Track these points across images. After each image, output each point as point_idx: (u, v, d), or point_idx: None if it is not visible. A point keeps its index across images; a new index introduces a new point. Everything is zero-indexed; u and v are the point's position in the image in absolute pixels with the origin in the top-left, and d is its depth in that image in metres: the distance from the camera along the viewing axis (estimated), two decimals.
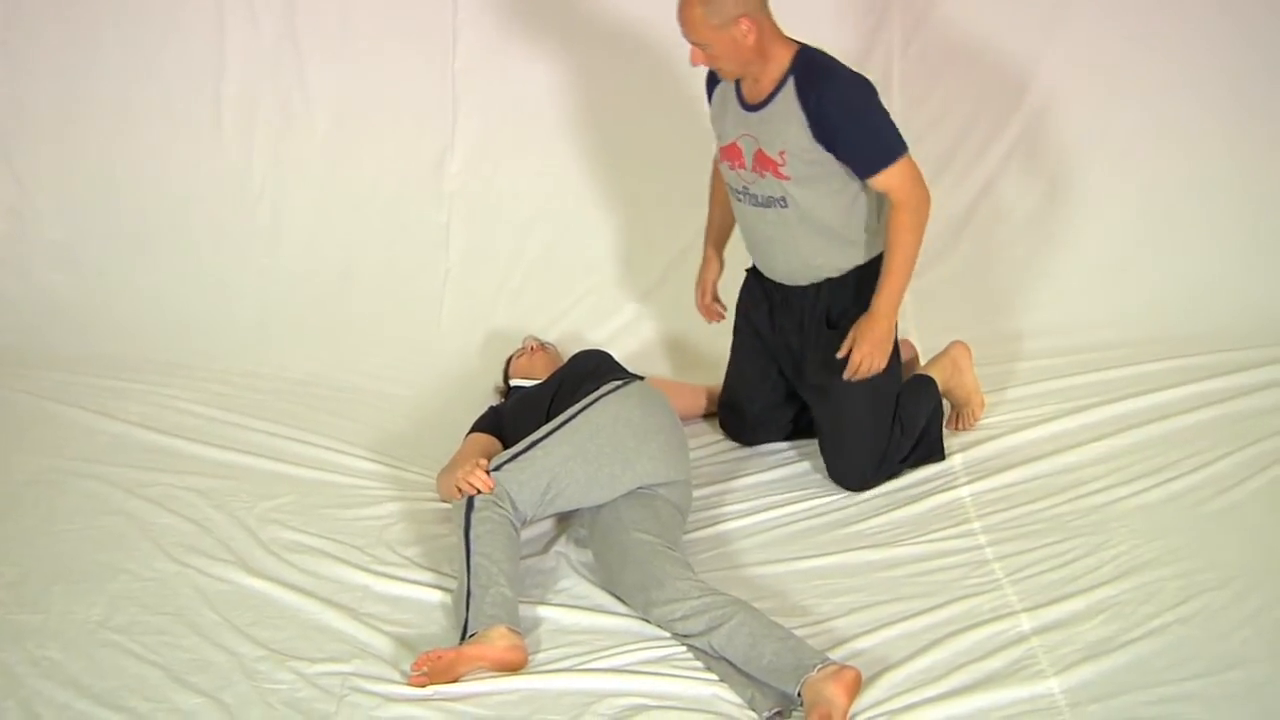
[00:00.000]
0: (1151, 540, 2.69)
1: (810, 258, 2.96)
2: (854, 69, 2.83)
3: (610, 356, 3.15)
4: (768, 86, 2.81)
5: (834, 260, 2.96)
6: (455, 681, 2.33)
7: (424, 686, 2.31)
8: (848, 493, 2.99)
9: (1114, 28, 3.86)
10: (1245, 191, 3.89)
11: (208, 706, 2.27)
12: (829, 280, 2.98)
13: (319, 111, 4.02)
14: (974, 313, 3.84)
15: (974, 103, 3.91)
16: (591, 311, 3.96)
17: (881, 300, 2.87)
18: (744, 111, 2.87)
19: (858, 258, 2.96)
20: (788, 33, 2.83)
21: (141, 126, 4.02)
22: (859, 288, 2.95)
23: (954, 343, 3.26)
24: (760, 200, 2.92)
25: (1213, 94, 3.87)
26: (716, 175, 3.20)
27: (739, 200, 2.99)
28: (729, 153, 2.93)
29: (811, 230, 2.91)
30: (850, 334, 2.91)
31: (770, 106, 2.81)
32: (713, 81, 3.02)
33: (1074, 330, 3.74)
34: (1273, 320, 3.69)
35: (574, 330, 3.90)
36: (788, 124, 2.79)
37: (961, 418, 3.25)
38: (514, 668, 2.36)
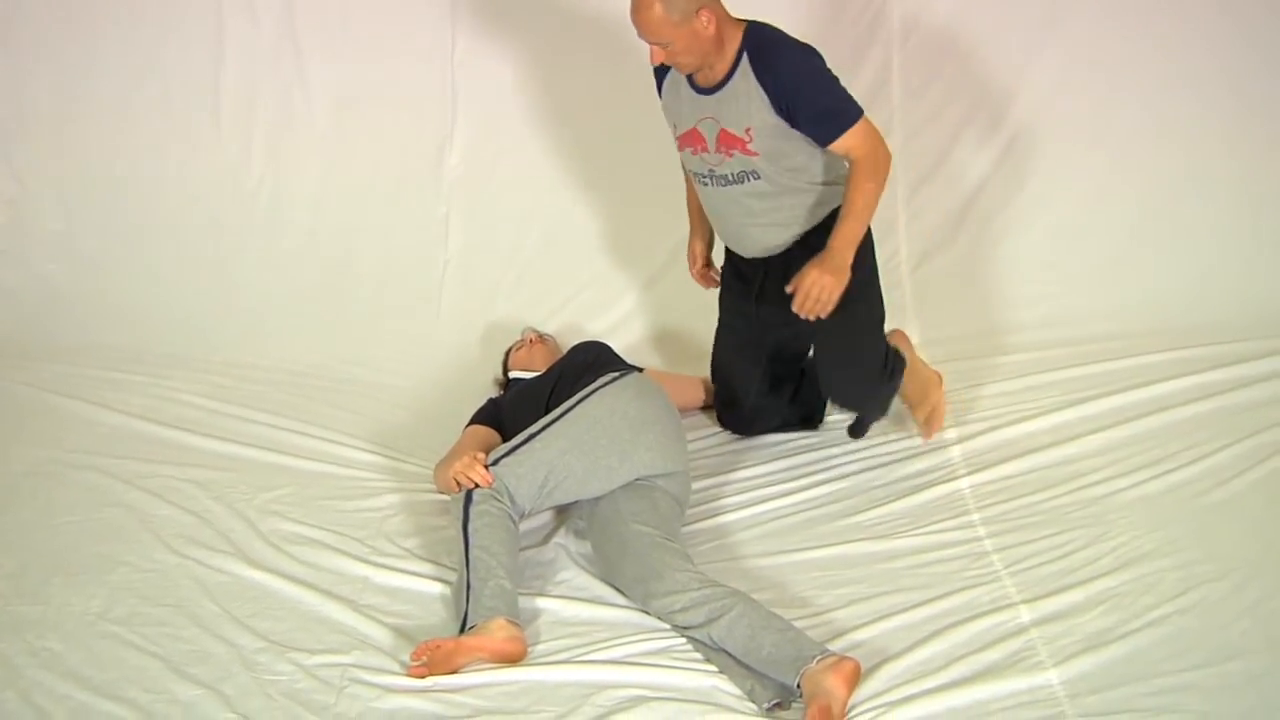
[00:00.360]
0: (1151, 532, 2.70)
1: (785, 220, 2.94)
2: (802, 40, 2.82)
3: (609, 348, 3.15)
4: (722, 69, 2.80)
5: (809, 216, 2.94)
6: (454, 672, 2.33)
7: (423, 677, 2.32)
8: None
9: (1112, 23, 3.85)
10: (1244, 184, 3.89)
11: (207, 698, 2.28)
12: (805, 233, 2.95)
13: (318, 104, 4.01)
14: (973, 305, 3.84)
15: (972, 96, 3.90)
16: (591, 303, 3.96)
17: (836, 238, 2.77)
18: (700, 95, 2.86)
19: (835, 202, 2.90)
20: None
21: (141, 119, 4.02)
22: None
23: (893, 331, 3.22)
24: (730, 179, 2.90)
25: (1212, 89, 3.86)
26: (690, 184, 3.18)
27: (704, 184, 2.98)
28: (689, 138, 2.92)
29: (783, 193, 2.90)
30: (801, 271, 2.80)
31: (728, 87, 2.80)
32: (661, 71, 3.00)
33: (1073, 322, 3.74)
34: (1272, 312, 3.69)
35: (573, 322, 3.90)
36: (750, 101, 2.78)
37: (934, 416, 3.18)
38: (513, 659, 2.36)
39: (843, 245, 2.76)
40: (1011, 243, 3.92)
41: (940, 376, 3.30)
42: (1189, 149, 3.87)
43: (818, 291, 2.75)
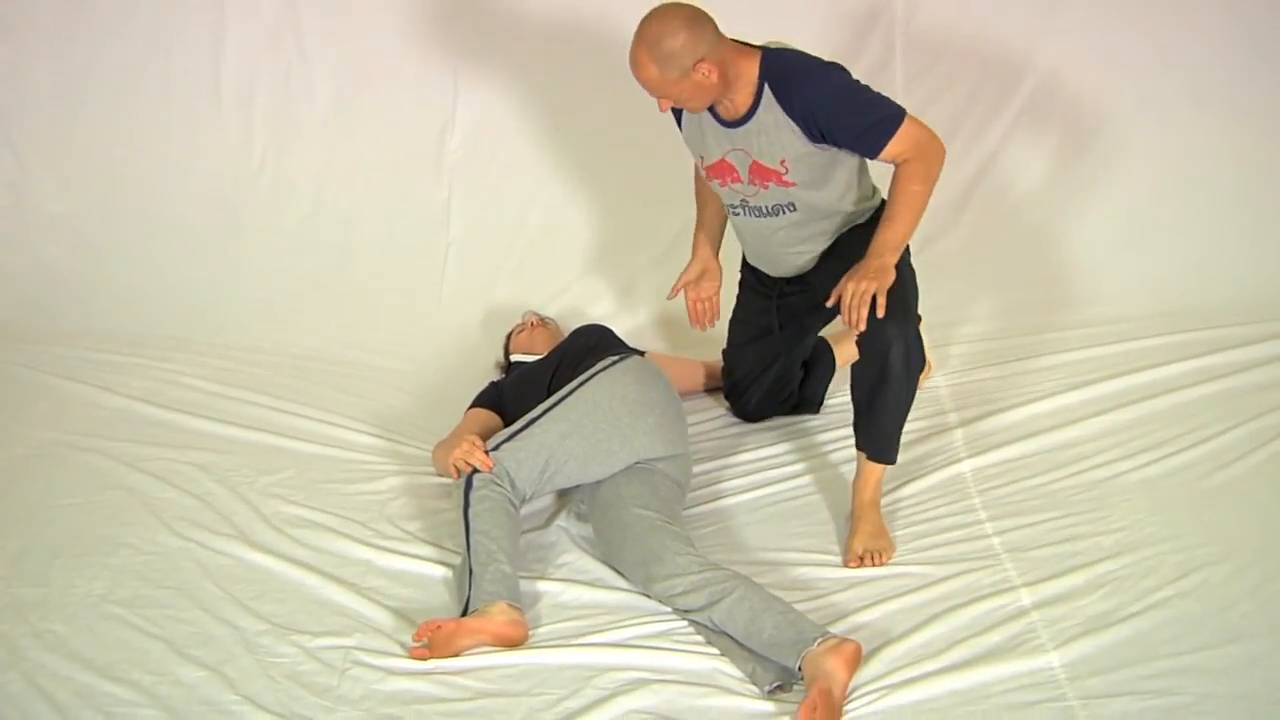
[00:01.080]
0: (1152, 515, 2.70)
1: (821, 244, 2.89)
2: (821, 57, 2.73)
3: (611, 331, 3.15)
4: (744, 101, 2.69)
5: (835, 234, 2.91)
6: (455, 655, 2.34)
7: (424, 659, 2.32)
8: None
9: (1115, 5, 3.84)
10: (1248, 166, 3.88)
11: (210, 679, 2.28)
12: (830, 246, 2.91)
13: (319, 88, 4.00)
14: (976, 287, 3.83)
15: (976, 78, 3.89)
16: (592, 287, 3.95)
17: (878, 242, 2.62)
18: (725, 129, 2.75)
19: (863, 216, 2.87)
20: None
21: (142, 102, 4.01)
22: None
23: None
24: (764, 211, 2.83)
25: (1216, 71, 3.85)
26: (701, 177, 3.07)
27: (737, 214, 2.90)
28: (719, 170, 2.81)
29: (821, 219, 2.84)
30: (841, 282, 2.64)
31: (754, 120, 2.69)
32: (679, 111, 2.88)
33: (1076, 305, 3.74)
34: (1275, 295, 3.68)
35: (575, 305, 3.90)
36: (780, 133, 2.68)
37: None
38: (514, 643, 2.37)
39: (884, 249, 2.60)
40: (1015, 227, 3.91)
41: (930, 365, 3.34)
42: (1192, 127, 3.86)
43: (859, 300, 2.56)
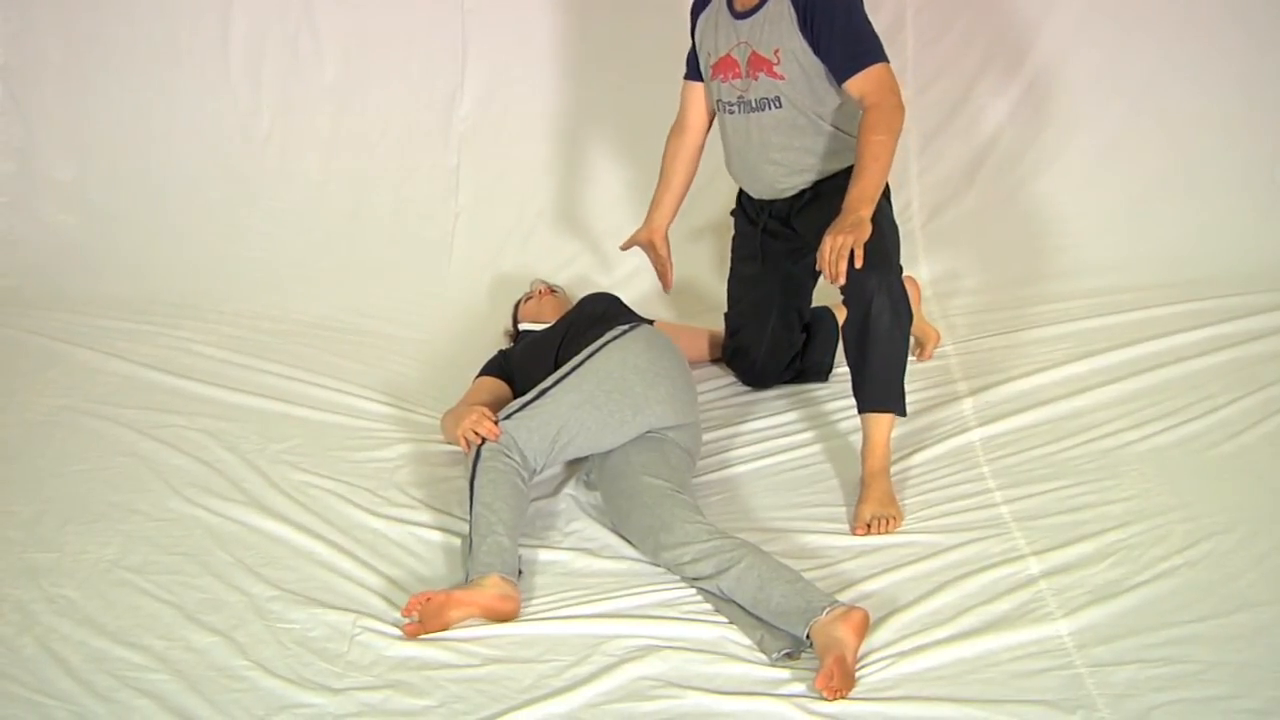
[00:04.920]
0: (1160, 484, 2.69)
1: (798, 161, 2.95)
2: None
3: (619, 300, 3.14)
4: None
5: (823, 162, 2.94)
6: (446, 628, 2.33)
7: (415, 635, 2.31)
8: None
9: None
10: (1259, 135, 3.86)
11: (221, 645, 2.29)
12: (817, 182, 2.96)
13: (328, 53, 4.00)
14: (985, 256, 3.82)
15: (987, 45, 3.87)
16: (600, 255, 3.95)
17: (850, 197, 2.63)
18: (736, 21, 2.90)
19: (847, 159, 2.89)
20: None
21: (150, 68, 4.01)
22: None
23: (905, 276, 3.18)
24: (754, 105, 2.93)
25: (1228, 37, 3.83)
26: (675, 143, 3.21)
27: (730, 113, 3.00)
28: (722, 66, 2.95)
29: (804, 127, 2.91)
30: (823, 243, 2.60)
31: (764, 9, 2.85)
32: (696, 11, 3.05)
33: (1085, 274, 3.73)
34: None
35: (583, 274, 3.90)
36: (780, 21, 2.82)
37: (922, 351, 3.33)
38: (504, 617, 2.36)
39: (856, 203, 2.63)
40: (1024, 195, 3.90)
41: (938, 334, 3.36)
42: (1202, 95, 3.85)
43: (836, 256, 2.55)
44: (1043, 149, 3.90)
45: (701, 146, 3.21)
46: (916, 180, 3.90)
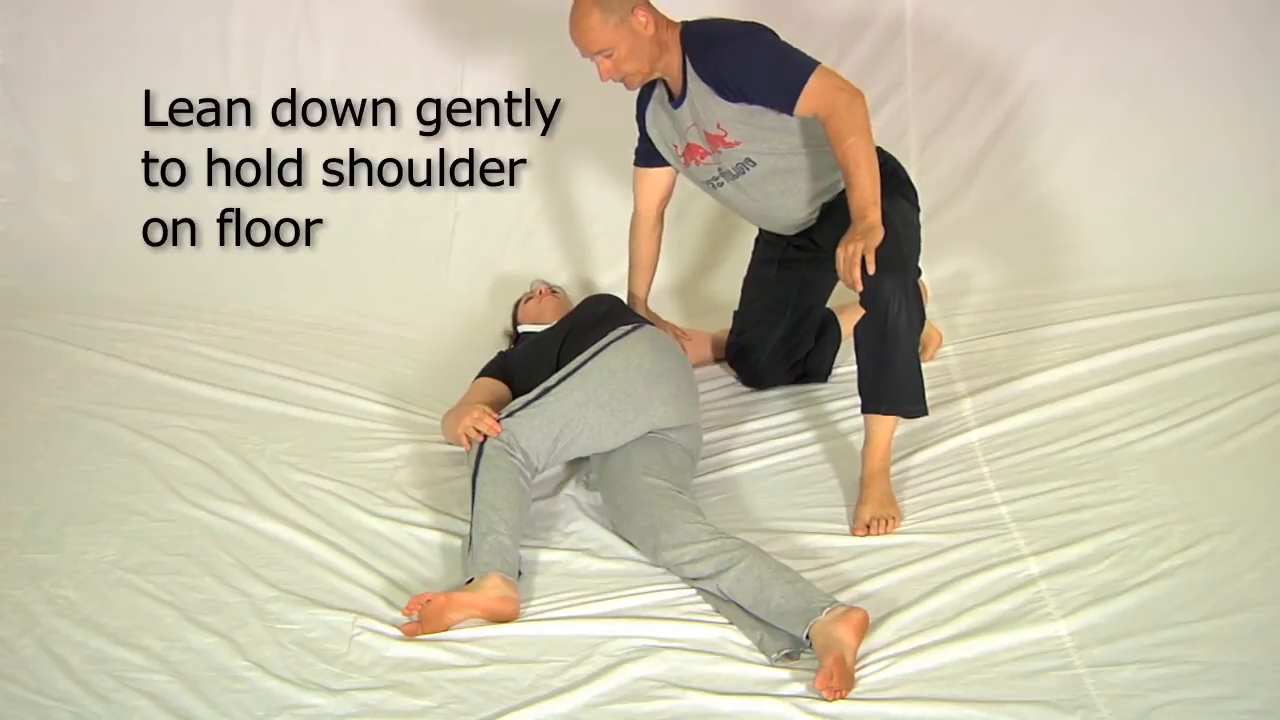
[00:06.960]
0: (1160, 484, 2.70)
1: (804, 188, 2.94)
2: (742, 19, 2.84)
3: (620, 301, 3.14)
4: (678, 75, 2.84)
5: (828, 179, 2.94)
6: (446, 629, 2.34)
7: (414, 635, 2.32)
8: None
9: None
10: (1259, 135, 3.86)
11: (221, 646, 2.29)
12: (827, 204, 2.97)
13: (327, 50, 3.98)
14: (984, 258, 3.82)
15: (986, 45, 3.87)
16: (601, 256, 3.95)
17: (851, 208, 2.64)
18: (676, 110, 2.91)
19: (834, 169, 2.89)
20: None
21: (149, 68, 4.00)
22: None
23: None
24: (733, 172, 2.93)
25: (1228, 37, 3.83)
26: (634, 227, 3.27)
27: (719, 186, 3.00)
28: (690, 153, 2.96)
29: (789, 166, 2.90)
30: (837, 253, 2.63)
31: (689, 93, 2.84)
32: (642, 108, 3.05)
33: (1085, 274, 3.73)
34: None
35: (584, 275, 3.90)
36: (705, 99, 2.81)
37: (924, 352, 3.27)
38: (504, 618, 2.36)
39: (861, 210, 2.61)
40: (1024, 196, 3.90)
41: (940, 336, 3.37)
42: (1203, 95, 3.84)
43: (849, 264, 2.57)
44: (1043, 149, 3.90)
45: (659, 219, 3.25)
46: (916, 180, 3.88)
